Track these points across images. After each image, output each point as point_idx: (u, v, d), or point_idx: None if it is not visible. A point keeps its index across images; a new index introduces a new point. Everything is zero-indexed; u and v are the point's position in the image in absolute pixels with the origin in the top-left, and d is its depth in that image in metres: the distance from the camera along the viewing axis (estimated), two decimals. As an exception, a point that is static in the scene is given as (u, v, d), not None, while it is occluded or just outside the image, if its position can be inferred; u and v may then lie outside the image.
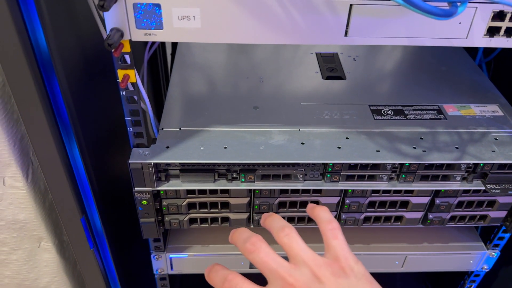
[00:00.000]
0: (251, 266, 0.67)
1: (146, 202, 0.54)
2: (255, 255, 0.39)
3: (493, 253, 0.67)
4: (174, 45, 0.91)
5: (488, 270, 0.70)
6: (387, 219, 0.60)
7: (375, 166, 0.53)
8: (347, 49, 0.73)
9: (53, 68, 0.42)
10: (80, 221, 0.49)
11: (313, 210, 0.44)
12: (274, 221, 0.42)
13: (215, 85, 0.64)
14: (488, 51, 0.77)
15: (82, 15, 0.51)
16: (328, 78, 0.65)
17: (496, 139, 0.55)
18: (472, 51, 0.75)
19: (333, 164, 0.53)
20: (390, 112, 0.59)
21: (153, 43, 0.74)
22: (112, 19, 0.40)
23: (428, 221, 0.60)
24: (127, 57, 0.43)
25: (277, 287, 0.37)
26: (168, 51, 0.98)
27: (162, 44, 1.00)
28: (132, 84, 0.46)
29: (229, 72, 0.67)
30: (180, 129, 0.55)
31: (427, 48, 0.74)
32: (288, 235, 0.40)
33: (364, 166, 0.54)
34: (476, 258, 0.68)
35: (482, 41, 0.44)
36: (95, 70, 0.57)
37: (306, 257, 0.39)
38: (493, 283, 0.77)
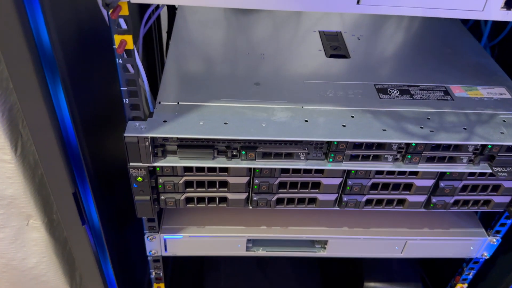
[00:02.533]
0: (248, 249, 0.66)
1: (141, 179, 0.51)
2: None
3: (494, 240, 0.66)
4: (170, 23, 0.88)
5: (488, 257, 0.69)
6: (389, 202, 0.59)
7: (380, 146, 0.52)
8: (351, 28, 0.70)
9: (48, 37, 0.40)
10: (72, 195, 0.46)
11: None
12: None
13: (215, 61, 0.61)
14: (493, 35, 0.75)
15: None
16: (331, 56, 0.63)
17: (504, 121, 0.54)
18: (477, 35, 0.74)
19: (338, 142, 0.51)
20: (396, 91, 0.57)
21: (149, 18, 0.71)
22: (109, -23, 0.37)
23: (431, 205, 0.58)
24: (125, 21, 0.41)
25: None
26: (164, 29, 0.95)
27: (158, 22, 0.97)
28: (129, 51, 0.43)
29: (229, 48, 0.65)
30: (178, 103, 0.53)
31: (431, 30, 0.72)
32: None
33: (369, 146, 0.52)
34: (477, 244, 0.67)
35: (499, 14, 0.42)
36: (91, 43, 0.54)
37: None
38: (492, 270, 0.76)
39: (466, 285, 0.76)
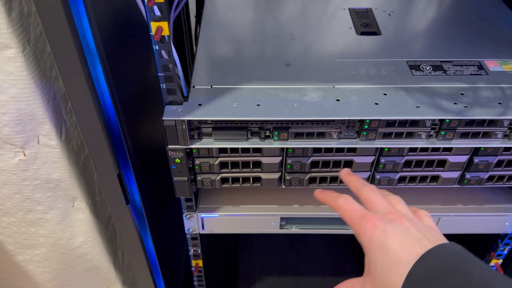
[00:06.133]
0: (281, 227, 0.67)
1: (179, 161, 0.53)
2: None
3: (530, 215, 0.65)
4: (198, 8, 0.89)
5: (523, 232, 0.68)
6: (423, 179, 0.59)
7: (414, 123, 0.52)
8: (381, 4, 0.69)
9: (90, 28, 0.42)
10: (116, 177, 0.49)
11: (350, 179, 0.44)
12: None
13: (245, 43, 0.62)
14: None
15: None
16: (362, 33, 0.63)
17: (542, 94, 0.53)
18: (513, 6, 0.71)
19: (370, 121, 0.51)
20: (428, 67, 0.56)
21: (178, 3, 0.72)
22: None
23: (465, 180, 0.58)
24: (160, 8, 0.42)
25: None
26: (192, 13, 0.96)
27: (186, 7, 0.98)
28: (164, 38, 0.45)
29: (258, 30, 0.65)
30: (211, 87, 0.54)
31: (465, 2, 0.70)
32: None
33: (402, 123, 0.52)
34: (512, 220, 0.66)
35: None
36: (126, 32, 0.56)
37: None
38: (528, 246, 0.75)
39: (501, 261, 0.76)
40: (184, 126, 0.50)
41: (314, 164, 0.57)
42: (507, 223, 0.67)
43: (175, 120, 0.49)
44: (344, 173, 0.47)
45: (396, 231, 0.35)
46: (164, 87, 0.49)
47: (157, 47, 0.45)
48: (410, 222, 0.37)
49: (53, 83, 0.51)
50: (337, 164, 0.57)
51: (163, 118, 0.49)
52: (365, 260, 0.37)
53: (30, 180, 0.58)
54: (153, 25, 0.43)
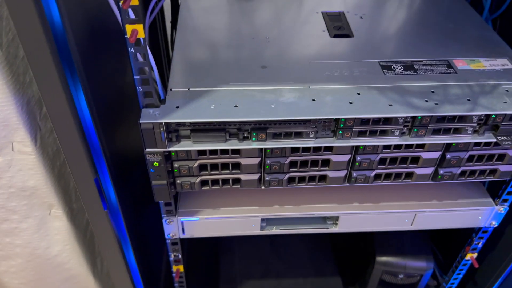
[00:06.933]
0: (262, 228, 0.68)
1: (157, 164, 0.53)
2: None
3: (502, 209, 0.68)
4: (174, 13, 0.90)
5: (496, 226, 0.71)
6: (398, 176, 0.60)
7: (387, 121, 0.53)
8: (353, 7, 0.71)
9: (64, 31, 0.42)
10: (94, 181, 0.48)
11: None
12: None
13: (221, 46, 0.63)
14: (494, 8, 0.76)
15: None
16: (335, 36, 0.64)
17: (507, 90, 0.55)
18: (478, 8, 0.74)
19: (345, 119, 0.52)
20: (400, 67, 0.58)
21: (154, 8, 0.72)
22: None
23: (439, 176, 0.60)
24: (135, 11, 0.42)
25: None
26: (168, 19, 0.96)
27: (162, 13, 0.98)
28: (140, 40, 0.45)
29: (233, 33, 0.66)
30: (189, 89, 0.54)
31: (433, 5, 0.73)
32: None
33: (376, 121, 0.53)
34: (485, 214, 0.68)
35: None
36: (104, 35, 0.56)
37: None
38: (500, 239, 0.78)
39: (476, 254, 0.78)
40: (161, 129, 0.50)
41: (293, 164, 0.58)
42: (480, 217, 0.69)
43: (152, 123, 0.49)
44: None
45: None
46: (141, 90, 0.49)
47: (132, 50, 0.45)
48: None
49: (27, 88, 0.51)
50: (315, 163, 0.58)
51: (140, 121, 0.49)
52: None
53: (4, 189, 0.57)
54: (128, 28, 0.43)
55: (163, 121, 0.49)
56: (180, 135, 0.53)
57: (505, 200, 0.67)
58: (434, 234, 0.96)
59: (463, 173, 0.60)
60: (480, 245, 0.76)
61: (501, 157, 0.59)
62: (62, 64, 0.43)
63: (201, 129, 0.52)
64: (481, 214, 0.68)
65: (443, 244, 0.97)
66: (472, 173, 0.61)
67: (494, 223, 0.70)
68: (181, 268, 0.72)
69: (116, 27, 0.46)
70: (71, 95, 0.44)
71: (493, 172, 0.61)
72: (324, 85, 0.55)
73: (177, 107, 0.51)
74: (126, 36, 0.44)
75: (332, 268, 1.00)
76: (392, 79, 0.56)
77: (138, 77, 0.48)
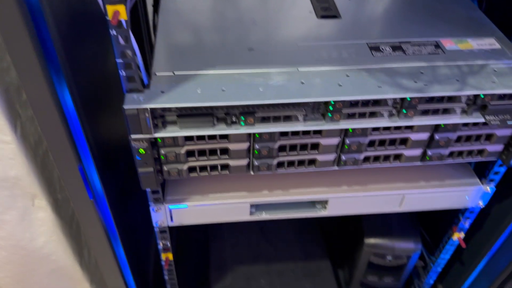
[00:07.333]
0: (252, 214, 0.67)
1: (143, 151, 0.52)
2: None
3: (488, 188, 0.68)
4: (156, -4, 0.87)
5: (483, 206, 0.71)
6: (387, 158, 0.60)
7: (376, 102, 0.53)
8: (340, -12, 0.70)
9: (43, 16, 0.40)
10: (78, 169, 0.47)
11: None
12: None
13: (206, 29, 0.61)
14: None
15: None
16: (322, 17, 0.63)
17: (495, 70, 0.55)
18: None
19: (335, 102, 0.51)
20: (388, 48, 0.58)
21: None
22: None
23: (427, 157, 0.60)
24: (116, -9, 0.40)
25: None
26: (149, 2, 0.93)
27: (143, -4, 0.95)
28: (122, 22, 0.43)
29: (219, 16, 0.64)
30: (174, 73, 0.53)
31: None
32: None
33: (365, 103, 0.53)
34: (472, 194, 0.69)
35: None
36: (85, 19, 0.53)
37: None
38: (487, 219, 0.79)
39: (463, 234, 0.79)
40: (147, 115, 0.49)
41: (282, 149, 0.57)
42: (467, 197, 0.70)
43: (137, 108, 0.48)
44: None
45: None
46: (124, 74, 0.47)
47: (114, 32, 0.44)
48: None
49: (5, 75, 0.48)
50: (304, 147, 0.57)
51: (124, 107, 0.47)
52: None
53: (-16, 180, 0.55)
54: (110, 9, 0.41)
55: (148, 106, 0.48)
56: (166, 120, 0.52)
57: (492, 180, 0.68)
58: (421, 215, 0.97)
59: (451, 154, 0.61)
60: (467, 226, 0.77)
61: (489, 137, 0.59)
62: (42, 49, 0.41)
63: (187, 114, 0.51)
64: (468, 194, 0.69)
65: (430, 225, 0.98)
66: (460, 153, 0.61)
67: (481, 203, 0.71)
68: (170, 256, 0.71)
69: (98, 9, 0.44)
70: (52, 81, 0.42)
71: (480, 152, 0.61)
72: (313, 67, 0.54)
73: (162, 91, 0.50)
74: (107, 18, 0.42)
75: (321, 252, 1.01)
76: (381, 60, 0.56)
77: (121, 60, 0.46)
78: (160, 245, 0.70)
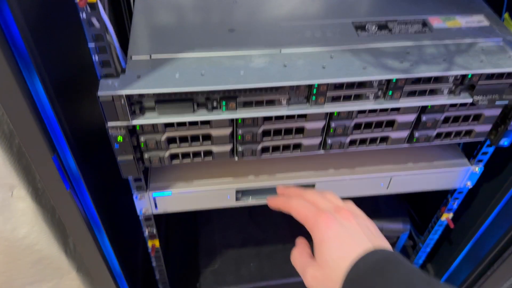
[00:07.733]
0: (238, 199, 0.66)
1: (121, 139, 0.50)
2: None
3: (477, 169, 0.68)
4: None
5: (471, 186, 0.71)
6: (373, 140, 0.59)
7: (361, 85, 0.51)
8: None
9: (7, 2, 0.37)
10: (52, 159, 0.45)
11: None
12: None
13: (184, 10, 0.59)
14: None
15: None
16: (306, -5, 0.61)
17: (483, 49, 0.53)
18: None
19: (319, 85, 0.50)
20: (374, 27, 0.56)
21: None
22: None
23: (414, 139, 0.59)
24: (83, -29, 0.38)
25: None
26: (130, -18, 0.90)
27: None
28: (92, 4, 0.41)
29: (199, -4, 0.62)
30: (150, 57, 0.51)
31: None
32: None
33: (350, 86, 0.51)
34: (460, 174, 0.68)
35: None
36: (52, 4, 0.51)
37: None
38: (475, 199, 0.79)
39: (451, 215, 0.79)
40: (123, 101, 0.47)
41: (266, 133, 0.55)
42: (456, 178, 0.69)
43: (112, 95, 0.46)
44: (280, 190, 0.51)
45: (347, 232, 0.40)
46: (97, 59, 0.45)
47: (84, 16, 0.41)
48: (356, 220, 0.41)
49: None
50: (289, 131, 0.56)
51: (98, 94, 0.45)
52: (314, 249, 0.41)
53: (-42, 171, 0.53)
54: (76, -9, 0.39)
55: (124, 92, 0.46)
56: (144, 106, 0.50)
57: (480, 161, 0.67)
58: (410, 196, 0.97)
59: (439, 135, 0.60)
60: (455, 206, 0.77)
61: (476, 117, 0.58)
62: (5, 35, 0.38)
63: (166, 100, 0.49)
64: (456, 174, 0.68)
65: (419, 205, 0.98)
66: (448, 134, 0.60)
67: (469, 184, 0.70)
68: (156, 243, 0.71)
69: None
70: (19, 69, 0.40)
71: (468, 133, 0.60)
72: (296, 48, 0.52)
73: (139, 76, 0.48)
74: (75, 1, 0.40)
75: (308, 233, 1.01)
76: (366, 40, 0.54)
77: (93, 45, 0.44)
78: (146, 233, 0.69)
